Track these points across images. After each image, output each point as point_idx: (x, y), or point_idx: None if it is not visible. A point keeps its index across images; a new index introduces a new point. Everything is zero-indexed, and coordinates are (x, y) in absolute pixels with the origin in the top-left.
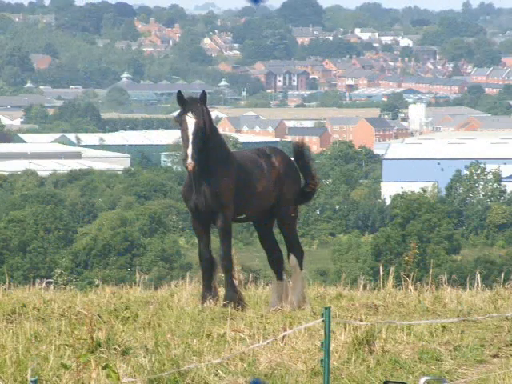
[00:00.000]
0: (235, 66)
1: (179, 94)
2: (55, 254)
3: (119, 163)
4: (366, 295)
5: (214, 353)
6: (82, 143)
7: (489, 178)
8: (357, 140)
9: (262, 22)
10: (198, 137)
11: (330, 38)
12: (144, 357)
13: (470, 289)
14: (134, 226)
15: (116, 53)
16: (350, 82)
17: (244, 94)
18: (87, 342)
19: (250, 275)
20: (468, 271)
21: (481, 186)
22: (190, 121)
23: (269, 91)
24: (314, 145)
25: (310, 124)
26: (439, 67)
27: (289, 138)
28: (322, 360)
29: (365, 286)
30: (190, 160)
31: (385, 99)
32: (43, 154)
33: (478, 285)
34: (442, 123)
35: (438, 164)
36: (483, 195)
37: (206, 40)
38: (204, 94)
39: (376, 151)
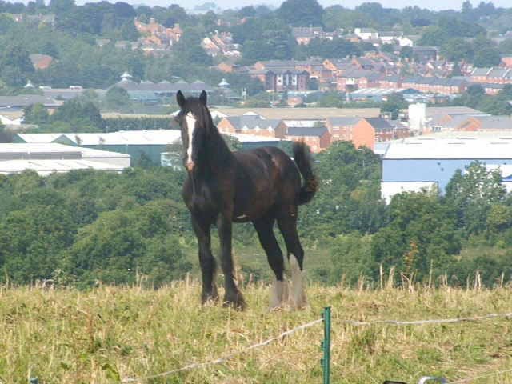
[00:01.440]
0: (235, 65)
1: (179, 94)
2: (55, 254)
3: (119, 163)
4: (366, 295)
5: (214, 353)
6: (82, 143)
7: (489, 178)
8: (357, 140)
9: (262, 22)
10: (198, 137)
11: (330, 38)
12: (144, 357)
13: (470, 289)
14: (134, 226)
15: (116, 53)
16: (350, 82)
17: (244, 94)
18: (87, 342)
19: (250, 275)
20: (468, 271)
21: (481, 186)
22: (190, 121)
23: (269, 91)
24: (314, 145)
25: (310, 124)
26: (439, 67)
27: (289, 138)
28: (321, 360)
29: (365, 286)
30: (189, 160)
31: (385, 99)
32: (43, 154)
33: (478, 285)
34: (442, 123)
35: (438, 164)
36: (483, 195)
37: (206, 40)
38: (204, 93)
39: (376, 151)
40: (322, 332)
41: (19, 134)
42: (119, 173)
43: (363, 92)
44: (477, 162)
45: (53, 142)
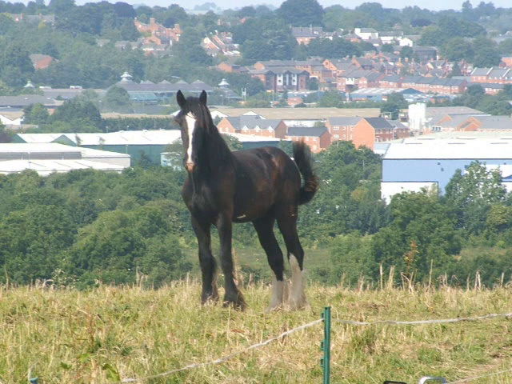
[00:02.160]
0: (235, 65)
1: (179, 94)
2: (55, 254)
3: (119, 163)
4: (366, 295)
5: (214, 353)
6: (82, 143)
7: (489, 178)
8: (357, 140)
9: (262, 22)
10: (198, 137)
11: (330, 38)
12: (144, 357)
13: (470, 289)
14: (134, 226)
15: (116, 53)
16: (350, 82)
17: (244, 94)
18: (87, 342)
19: (250, 275)
20: (468, 271)
21: (481, 186)
22: (190, 121)
23: (269, 91)
24: (314, 145)
25: (310, 124)
26: (439, 67)
27: (289, 138)
28: (321, 360)
29: (365, 286)
30: (189, 160)
31: (385, 99)
32: (43, 154)
33: (478, 285)
34: (442, 123)
35: (438, 164)
36: (483, 195)
37: (206, 40)
38: (204, 93)
39: (376, 151)
40: (322, 332)
41: (19, 134)
42: (119, 173)
43: (363, 92)
44: (477, 162)
45: (53, 141)
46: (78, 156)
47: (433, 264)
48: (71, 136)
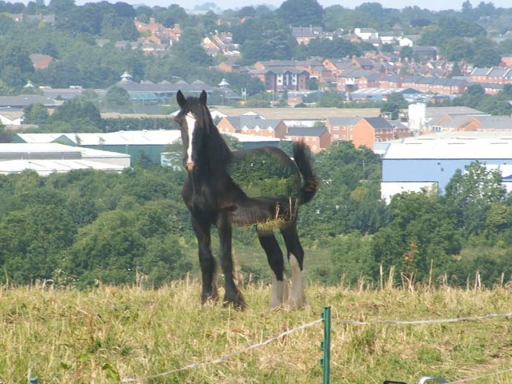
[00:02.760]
0: (235, 65)
1: (179, 94)
2: (55, 254)
3: (119, 163)
4: (366, 295)
5: (214, 353)
6: (82, 143)
7: (489, 178)
8: (357, 140)
9: (262, 22)
10: (198, 137)
11: (330, 38)
12: (144, 357)
13: (470, 289)
14: (134, 226)
15: (116, 53)
16: (350, 82)
17: (244, 94)
18: (87, 342)
19: (250, 275)
20: (468, 271)
21: (481, 186)
22: (190, 121)
23: (269, 91)
24: (314, 145)
25: (310, 124)
26: (439, 67)
27: (289, 138)
28: (321, 360)
29: (365, 286)
30: (189, 160)
31: (385, 99)
32: (43, 154)
33: (478, 285)
34: (442, 123)
35: (438, 164)
36: (483, 195)
37: (206, 40)
38: (204, 93)
39: (376, 151)
40: (322, 332)
41: (19, 134)
42: (119, 173)
43: (363, 92)
44: (477, 162)
45: (53, 141)
46: (78, 156)
47: (433, 264)
48: (71, 136)
